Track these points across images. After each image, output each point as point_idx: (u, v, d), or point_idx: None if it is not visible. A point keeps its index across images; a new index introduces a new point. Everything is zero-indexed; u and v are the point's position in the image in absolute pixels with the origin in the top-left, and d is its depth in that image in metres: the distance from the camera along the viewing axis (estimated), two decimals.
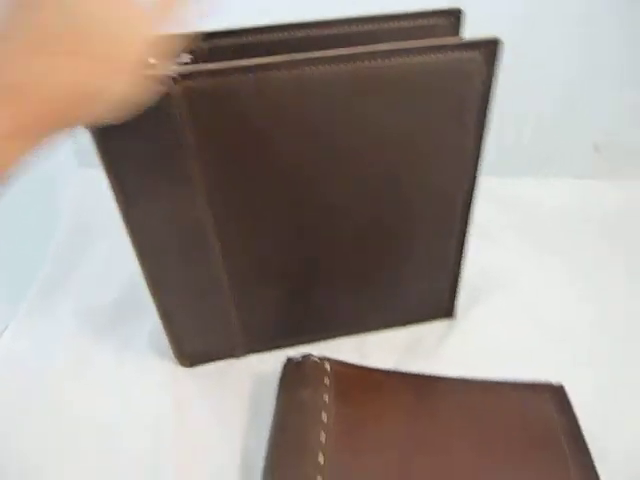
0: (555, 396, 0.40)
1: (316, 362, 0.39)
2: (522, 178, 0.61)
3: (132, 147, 0.31)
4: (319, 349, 0.41)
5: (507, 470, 0.35)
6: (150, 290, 0.38)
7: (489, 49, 0.31)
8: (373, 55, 0.30)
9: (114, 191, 0.33)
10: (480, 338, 0.45)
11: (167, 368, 0.44)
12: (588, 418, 0.37)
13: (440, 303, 0.47)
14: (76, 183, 0.62)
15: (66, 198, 0.61)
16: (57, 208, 0.60)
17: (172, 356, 0.44)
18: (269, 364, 0.43)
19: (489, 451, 0.35)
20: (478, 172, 0.38)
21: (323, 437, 0.34)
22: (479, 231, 0.48)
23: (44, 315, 0.50)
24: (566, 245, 0.53)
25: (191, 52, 0.36)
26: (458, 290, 0.46)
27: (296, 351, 0.42)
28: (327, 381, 0.38)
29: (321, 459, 0.33)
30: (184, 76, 0.29)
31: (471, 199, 0.39)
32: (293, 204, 0.36)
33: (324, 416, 0.36)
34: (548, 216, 0.57)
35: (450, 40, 0.34)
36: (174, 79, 0.29)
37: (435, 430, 0.37)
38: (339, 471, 0.33)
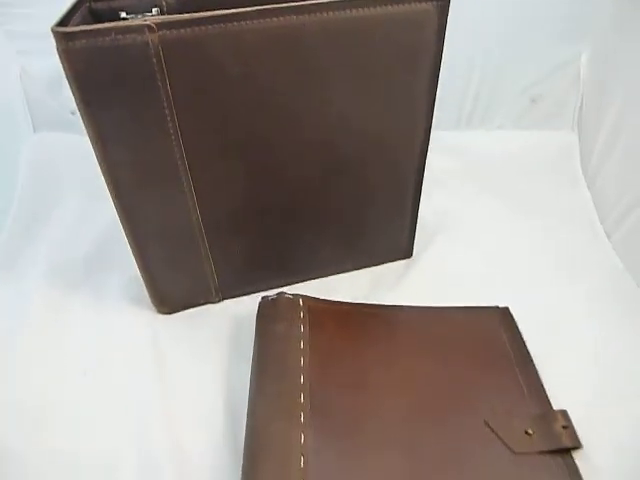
0: (501, 317, 0.45)
1: (290, 298, 0.43)
2: (467, 131, 0.66)
3: (111, 93, 0.32)
4: (290, 291, 0.44)
5: (463, 376, 0.39)
6: (128, 237, 0.40)
7: (442, 1, 0.34)
8: (335, 5, 0.33)
9: (91, 135, 0.34)
10: (435, 272, 0.50)
11: (146, 316, 0.46)
12: (529, 332, 0.43)
13: (399, 245, 0.51)
14: (33, 146, 0.62)
15: (24, 162, 0.61)
16: (15, 172, 0.59)
17: (150, 304, 0.46)
18: (245, 306, 0.46)
19: (446, 364, 0.40)
20: (431, 119, 0.41)
21: (302, 362, 0.38)
22: (427, 177, 0.53)
23: (10, 277, 0.50)
24: (507, 188, 0.59)
25: (158, 6, 0.37)
26: (415, 232, 0.50)
27: (270, 294, 0.45)
28: (301, 314, 0.42)
29: (301, 380, 0.37)
30: (159, 25, 0.31)
31: (426, 146, 0.43)
32: (261, 150, 0.38)
33: (301, 344, 0.39)
34: (491, 163, 0.62)
35: None
36: (150, 28, 0.31)
37: (398, 350, 0.41)
38: (318, 389, 0.37)
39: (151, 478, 0.34)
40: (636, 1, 0.54)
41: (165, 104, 0.33)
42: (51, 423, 0.38)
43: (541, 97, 0.64)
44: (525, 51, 0.62)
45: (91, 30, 0.30)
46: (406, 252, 0.51)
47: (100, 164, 0.36)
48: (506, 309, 0.46)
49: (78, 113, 0.63)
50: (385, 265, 0.51)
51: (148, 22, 0.30)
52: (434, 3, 0.34)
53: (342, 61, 0.35)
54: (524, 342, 0.43)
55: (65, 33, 0.30)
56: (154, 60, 0.31)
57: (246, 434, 0.34)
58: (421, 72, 0.37)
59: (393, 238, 0.50)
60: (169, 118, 0.34)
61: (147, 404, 0.39)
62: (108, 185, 0.37)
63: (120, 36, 0.30)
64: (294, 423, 0.34)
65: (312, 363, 0.38)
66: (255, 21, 0.32)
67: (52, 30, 0.30)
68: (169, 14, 0.37)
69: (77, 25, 0.32)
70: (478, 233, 0.54)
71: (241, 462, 0.33)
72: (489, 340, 0.43)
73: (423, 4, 0.34)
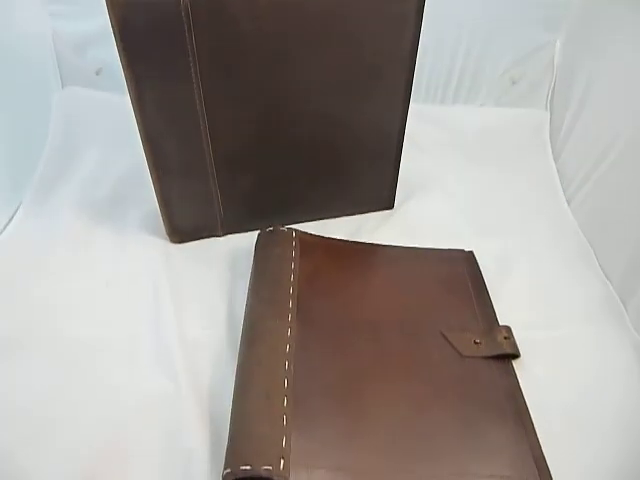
0: (466, 259, 0.52)
1: (285, 230, 0.50)
2: (451, 106, 0.73)
3: (145, 40, 0.39)
4: None
5: (427, 298, 0.47)
6: (150, 170, 0.47)
7: None
8: None
9: (127, 75, 0.41)
10: (412, 221, 0.57)
11: (160, 244, 0.53)
12: (487, 271, 0.51)
13: (382, 197, 0.58)
14: (61, 100, 0.69)
15: (54, 114, 0.68)
16: (46, 122, 0.67)
17: (164, 235, 0.54)
18: (246, 240, 0.53)
19: (414, 288, 0.48)
20: (411, 82, 0.48)
21: (292, 277, 0.46)
22: (413, 144, 0.60)
23: (42, 212, 0.57)
24: (483, 156, 0.66)
25: None
26: (396, 186, 0.58)
27: None
28: (294, 243, 0.49)
29: (291, 290, 0.44)
30: None
31: (406, 107, 0.50)
32: (267, 98, 0.45)
33: (292, 265, 0.47)
34: (471, 134, 0.69)
35: None
36: None
37: (375, 275, 0.49)
38: (304, 298, 0.44)
39: (165, 361, 0.42)
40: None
41: (189, 52, 0.41)
42: (78, 317, 0.46)
43: (520, 78, 0.72)
44: (506, 37, 0.69)
45: None
46: (388, 203, 0.59)
47: (132, 102, 0.43)
48: (471, 252, 0.53)
49: (101, 73, 0.71)
50: (370, 214, 0.58)
51: None
52: None
53: (335, 28, 0.42)
54: (482, 277, 0.50)
55: None
56: (183, 15, 0.39)
57: (243, 328, 0.42)
58: (402, 40, 0.45)
59: (377, 190, 0.57)
60: (192, 64, 0.41)
61: (160, 307, 0.47)
62: (137, 121, 0.44)
63: None
64: (283, 320, 0.42)
65: (300, 279, 0.46)
66: None
67: None
68: None
69: None
70: (453, 191, 0.61)
71: (238, 349, 0.41)
72: (453, 274, 0.50)
73: None
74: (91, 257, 0.52)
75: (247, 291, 0.46)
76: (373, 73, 0.46)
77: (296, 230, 0.51)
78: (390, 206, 0.59)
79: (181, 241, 0.54)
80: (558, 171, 0.65)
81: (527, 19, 0.68)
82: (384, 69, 0.47)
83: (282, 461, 0.33)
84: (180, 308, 0.47)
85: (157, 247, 0.53)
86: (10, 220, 0.56)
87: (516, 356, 0.43)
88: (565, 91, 0.67)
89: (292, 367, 0.39)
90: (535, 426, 0.38)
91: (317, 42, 0.43)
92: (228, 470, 0.33)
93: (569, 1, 0.66)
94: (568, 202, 0.61)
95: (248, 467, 0.32)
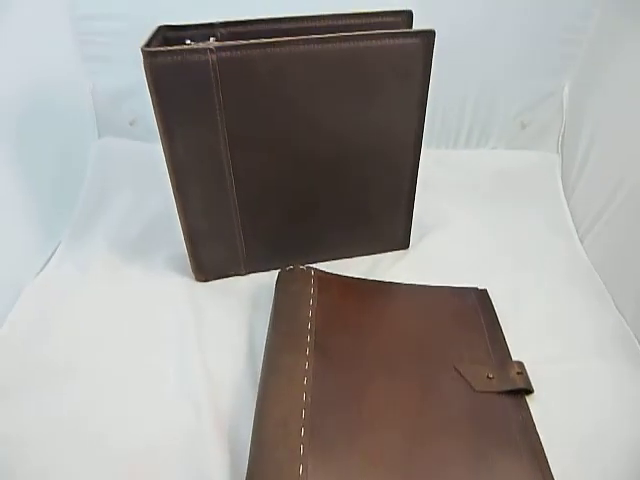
0: (480, 296, 0.54)
1: (303, 269, 0.53)
2: (464, 150, 0.77)
3: (178, 97, 0.44)
4: None
5: (441, 334, 0.49)
6: (179, 212, 0.51)
7: (426, 36, 0.45)
8: (346, 38, 0.44)
9: (161, 128, 0.45)
10: (427, 260, 0.59)
11: (186, 282, 0.56)
12: (501, 308, 0.52)
13: (397, 236, 0.61)
14: (98, 149, 0.75)
15: (91, 161, 0.73)
16: (84, 169, 0.72)
17: (190, 273, 0.57)
18: (267, 278, 0.55)
19: (428, 324, 0.49)
20: (422, 127, 0.52)
21: (310, 313, 0.48)
22: (428, 187, 0.63)
23: (78, 251, 0.61)
24: (495, 197, 0.68)
25: (214, 36, 0.50)
26: (410, 226, 0.60)
27: None
28: (312, 281, 0.52)
29: (309, 326, 0.47)
30: (218, 49, 0.42)
31: (419, 151, 0.54)
32: (287, 144, 0.49)
33: (311, 301, 0.49)
34: (483, 176, 0.72)
35: (401, 30, 0.48)
36: (211, 50, 0.42)
37: (390, 312, 0.51)
38: (322, 333, 0.46)
39: (188, 393, 0.44)
40: (606, 47, 0.64)
41: (217, 106, 0.45)
42: (108, 349, 0.49)
43: (530, 123, 0.75)
44: (516, 83, 0.72)
45: (168, 50, 0.42)
46: (403, 243, 0.61)
47: (164, 149, 0.47)
48: (484, 290, 0.54)
49: (134, 124, 0.77)
50: (385, 253, 0.61)
51: (210, 46, 0.42)
52: (421, 39, 0.45)
53: (350, 79, 0.46)
54: (495, 313, 0.51)
55: (150, 52, 0.42)
56: (212, 73, 0.43)
57: (263, 362, 0.44)
58: (413, 88, 0.48)
59: (392, 230, 0.60)
60: (219, 117, 0.45)
61: (185, 341, 0.49)
62: (168, 167, 0.48)
63: (189, 55, 0.42)
64: (301, 354, 0.44)
65: (318, 315, 0.48)
66: (286, 47, 0.43)
67: (142, 49, 0.41)
68: (222, 41, 0.49)
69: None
70: (467, 231, 0.63)
71: (258, 382, 0.43)
72: (466, 310, 0.52)
73: (413, 39, 0.45)
74: (121, 294, 0.55)
75: (267, 326, 0.48)
76: (385, 121, 0.50)
77: (315, 268, 0.53)
78: (405, 246, 0.61)
79: (206, 279, 0.57)
80: (571, 211, 0.66)
81: (536, 66, 0.71)
82: (395, 117, 0.50)
83: None
84: (203, 342, 0.49)
85: (183, 285, 0.56)
86: (50, 257, 0.60)
87: (529, 391, 0.44)
88: (574, 134, 0.70)
89: (309, 399, 0.40)
90: (549, 461, 0.39)
91: (332, 92, 0.46)
92: None
93: (576, 50, 0.69)
94: (581, 241, 0.63)
95: None
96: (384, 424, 0.40)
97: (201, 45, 0.42)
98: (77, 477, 0.39)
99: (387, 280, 0.55)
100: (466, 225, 0.64)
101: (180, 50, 0.42)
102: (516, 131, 0.75)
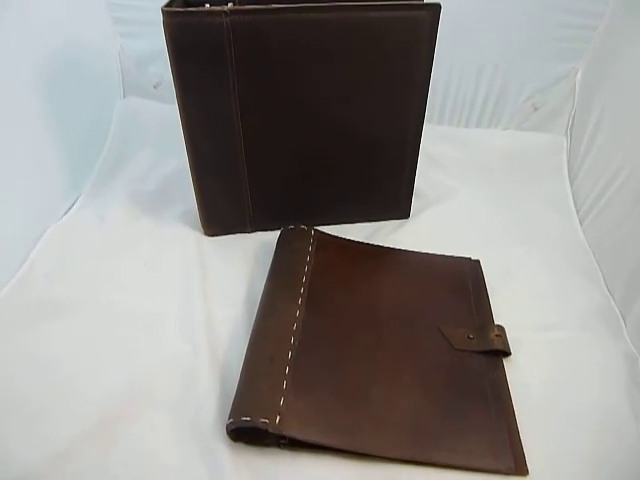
0: (472, 266, 0.56)
1: (304, 228, 0.56)
2: (475, 129, 0.78)
3: (193, 56, 0.46)
4: None
5: (429, 297, 0.51)
6: (191, 170, 0.54)
7: (432, 9, 0.47)
8: (351, 8, 0.46)
9: (177, 87, 0.48)
10: (425, 230, 0.61)
11: (195, 235, 0.60)
12: (491, 278, 0.54)
13: (398, 206, 0.63)
14: (122, 108, 0.78)
15: (114, 119, 0.77)
16: (108, 126, 0.76)
17: (200, 228, 0.60)
18: (271, 237, 0.58)
19: (418, 287, 0.52)
20: (425, 100, 0.54)
21: (306, 268, 0.51)
22: (434, 162, 0.65)
23: (97, 202, 0.65)
24: (500, 174, 0.70)
25: (232, 1, 0.52)
26: (411, 197, 0.62)
27: None
28: (311, 239, 0.55)
29: (304, 279, 0.50)
30: (232, 12, 0.45)
31: (421, 122, 0.55)
32: (295, 106, 0.51)
33: (307, 257, 0.52)
34: (490, 155, 0.73)
35: (409, 2, 0.49)
36: (225, 13, 0.45)
37: (384, 273, 0.53)
38: (315, 287, 0.49)
39: (187, 330, 0.48)
40: (620, 35, 0.65)
41: (229, 67, 0.47)
42: (118, 288, 0.53)
43: (542, 105, 0.75)
44: (529, 66, 0.73)
45: (186, 11, 0.45)
46: (404, 213, 0.63)
47: (179, 109, 0.50)
48: (477, 261, 0.57)
49: (158, 87, 0.80)
50: (386, 221, 0.63)
51: (225, 9, 0.45)
52: (427, 11, 0.47)
53: (358, 47, 0.48)
54: (484, 281, 0.54)
55: (168, 11, 0.44)
56: (225, 35, 0.46)
57: (258, 307, 0.48)
58: (418, 60, 0.50)
59: (394, 198, 0.62)
60: (230, 77, 0.48)
61: (189, 286, 0.53)
62: (182, 126, 0.51)
63: (204, 17, 0.45)
64: (293, 303, 0.47)
65: (314, 270, 0.51)
66: (295, 14, 0.46)
67: (162, 9, 0.44)
68: (240, 5, 0.51)
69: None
70: (468, 205, 0.65)
71: (252, 325, 0.46)
72: (456, 276, 0.54)
73: (419, 11, 0.47)
74: (135, 241, 0.59)
75: (266, 276, 0.52)
76: (388, 91, 0.52)
77: (315, 229, 0.56)
78: (406, 216, 0.64)
79: (214, 234, 0.60)
80: (573, 193, 0.68)
81: (550, 50, 0.72)
82: (400, 88, 0.52)
83: (278, 417, 0.38)
84: (206, 289, 0.53)
85: (192, 237, 0.60)
86: (71, 207, 0.64)
87: (507, 354, 0.46)
88: (583, 118, 0.70)
89: (297, 342, 0.44)
90: (516, 416, 0.41)
91: (338, 58, 0.49)
92: (231, 420, 0.38)
93: (590, 35, 0.70)
94: (580, 222, 0.64)
95: (248, 418, 0.37)
96: (364, 370, 0.44)
97: (217, 8, 0.45)
98: (72, 390, 0.43)
99: (384, 245, 0.58)
100: (468, 200, 0.66)
101: (196, 11, 0.45)
102: (528, 113, 0.76)
